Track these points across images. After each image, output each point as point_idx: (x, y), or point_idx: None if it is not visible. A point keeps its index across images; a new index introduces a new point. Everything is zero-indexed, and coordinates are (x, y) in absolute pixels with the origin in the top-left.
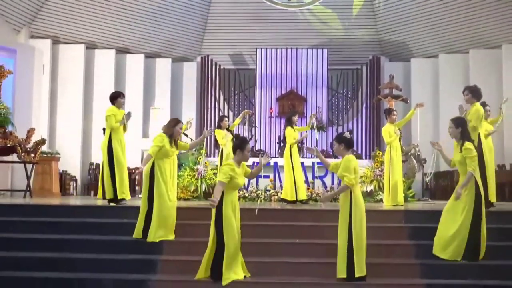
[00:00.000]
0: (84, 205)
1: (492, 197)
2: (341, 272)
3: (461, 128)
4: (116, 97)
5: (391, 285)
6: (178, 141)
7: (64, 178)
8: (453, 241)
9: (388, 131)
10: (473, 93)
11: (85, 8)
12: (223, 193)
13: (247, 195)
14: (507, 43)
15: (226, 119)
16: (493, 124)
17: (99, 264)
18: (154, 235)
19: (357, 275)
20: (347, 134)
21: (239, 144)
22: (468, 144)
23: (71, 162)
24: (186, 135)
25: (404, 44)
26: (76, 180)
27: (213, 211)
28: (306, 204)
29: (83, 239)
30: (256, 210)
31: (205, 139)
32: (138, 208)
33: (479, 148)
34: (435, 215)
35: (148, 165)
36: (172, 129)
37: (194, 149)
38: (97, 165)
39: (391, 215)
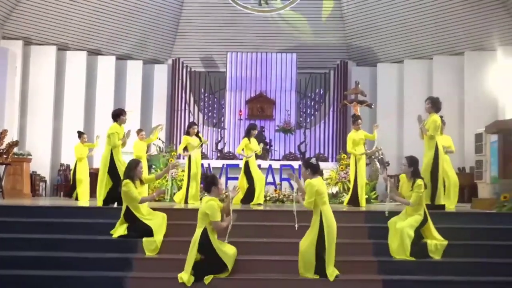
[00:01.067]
0: (67, 206)
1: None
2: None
3: (413, 168)
4: (118, 115)
5: (352, 281)
6: (143, 177)
7: (34, 179)
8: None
9: (353, 138)
10: (434, 103)
11: (56, 9)
12: (206, 229)
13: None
14: (470, 50)
15: (195, 126)
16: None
17: (79, 262)
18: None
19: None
20: (313, 160)
21: (212, 180)
22: (419, 181)
23: (40, 163)
24: (159, 139)
25: (371, 49)
26: (45, 181)
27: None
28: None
29: (65, 239)
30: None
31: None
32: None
33: (435, 158)
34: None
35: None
36: (134, 171)
37: (165, 151)
38: (68, 166)
39: (353, 216)
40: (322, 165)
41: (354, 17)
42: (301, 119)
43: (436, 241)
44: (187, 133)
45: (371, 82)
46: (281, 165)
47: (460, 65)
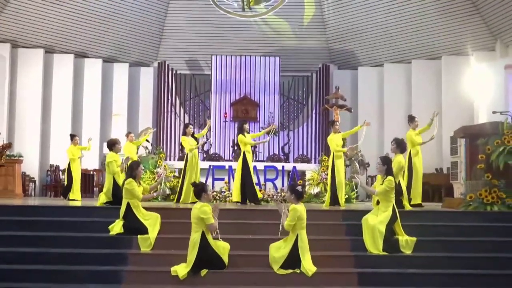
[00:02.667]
0: (62, 205)
1: (419, 199)
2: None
3: (386, 166)
4: (114, 144)
5: (330, 274)
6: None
7: (24, 180)
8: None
9: (334, 140)
10: (398, 145)
11: (44, 12)
12: (203, 232)
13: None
14: (447, 54)
15: (191, 126)
16: (421, 133)
17: (75, 258)
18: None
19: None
20: (299, 188)
21: (202, 188)
22: (390, 178)
23: (29, 164)
24: (148, 141)
25: (352, 53)
26: (34, 182)
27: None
28: (258, 204)
29: (59, 236)
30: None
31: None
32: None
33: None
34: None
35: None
36: (136, 171)
37: (154, 153)
38: (57, 167)
39: (331, 215)
40: (304, 166)
41: (335, 22)
42: (284, 121)
43: (406, 237)
44: (184, 133)
45: (352, 85)
46: (265, 166)
47: (438, 69)
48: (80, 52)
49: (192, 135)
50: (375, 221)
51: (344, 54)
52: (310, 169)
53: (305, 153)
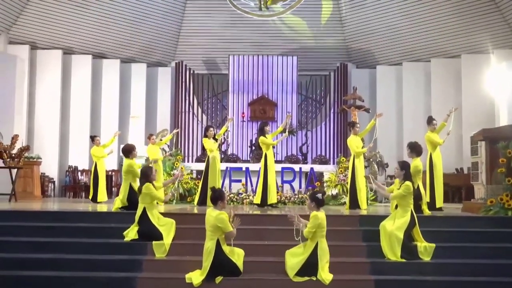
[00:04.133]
0: (77, 211)
1: (440, 203)
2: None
3: (405, 171)
4: (130, 151)
5: (346, 281)
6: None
7: (43, 181)
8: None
9: (354, 142)
10: (412, 148)
11: (62, 14)
12: (218, 240)
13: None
14: (466, 53)
15: (212, 128)
16: (439, 132)
17: (91, 264)
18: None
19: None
20: (319, 195)
21: (219, 196)
22: (407, 183)
23: (49, 165)
24: (167, 145)
25: (370, 52)
26: (54, 182)
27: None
28: (275, 207)
29: (75, 242)
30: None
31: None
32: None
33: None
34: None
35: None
36: (150, 176)
37: (171, 154)
38: (76, 167)
39: (348, 220)
40: (322, 167)
41: (352, 20)
42: (302, 120)
43: (425, 244)
44: (205, 135)
45: (370, 84)
46: (283, 168)
47: (457, 67)
48: (98, 53)
49: (214, 137)
50: (393, 227)
51: (362, 53)
52: (328, 171)
53: (323, 153)
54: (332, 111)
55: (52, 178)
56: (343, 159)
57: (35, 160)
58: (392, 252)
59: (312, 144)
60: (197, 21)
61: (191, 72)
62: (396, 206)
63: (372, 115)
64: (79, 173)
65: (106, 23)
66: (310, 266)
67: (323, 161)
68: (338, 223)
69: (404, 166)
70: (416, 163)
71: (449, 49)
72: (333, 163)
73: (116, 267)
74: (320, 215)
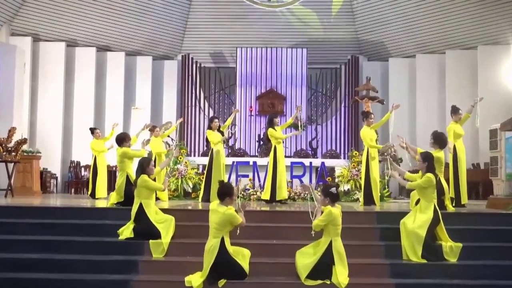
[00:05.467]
0: (70, 206)
1: (464, 199)
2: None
3: (427, 163)
4: (122, 140)
5: (363, 285)
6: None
7: (45, 176)
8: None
9: (368, 134)
10: (436, 139)
11: (66, 5)
12: (223, 238)
13: None
14: (483, 44)
15: (216, 120)
16: (462, 124)
17: (81, 265)
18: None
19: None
20: (333, 190)
21: (229, 191)
22: (429, 175)
23: (51, 160)
24: (169, 136)
25: (382, 44)
26: (56, 178)
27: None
28: (285, 203)
29: (70, 241)
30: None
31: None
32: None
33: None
34: (405, 216)
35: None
36: (147, 169)
37: (174, 148)
38: (78, 163)
39: (365, 217)
40: (333, 162)
41: (364, 11)
42: (312, 114)
43: (451, 243)
44: (209, 127)
45: (382, 77)
46: (292, 163)
47: (474, 59)
48: (102, 46)
49: (218, 129)
50: (414, 225)
51: (374, 45)
52: (339, 165)
53: (333, 147)
54: (342, 105)
55: (55, 174)
56: (355, 153)
57: (34, 154)
58: (413, 252)
59: (322, 138)
60: (204, 12)
61: (198, 65)
62: (417, 202)
63: (385, 107)
64: (82, 169)
65: (111, 15)
66: (323, 268)
67: (334, 155)
68: (353, 220)
69: (427, 157)
70: (438, 155)
71: (465, 40)
72: (344, 158)
73: (109, 268)
74: (334, 211)
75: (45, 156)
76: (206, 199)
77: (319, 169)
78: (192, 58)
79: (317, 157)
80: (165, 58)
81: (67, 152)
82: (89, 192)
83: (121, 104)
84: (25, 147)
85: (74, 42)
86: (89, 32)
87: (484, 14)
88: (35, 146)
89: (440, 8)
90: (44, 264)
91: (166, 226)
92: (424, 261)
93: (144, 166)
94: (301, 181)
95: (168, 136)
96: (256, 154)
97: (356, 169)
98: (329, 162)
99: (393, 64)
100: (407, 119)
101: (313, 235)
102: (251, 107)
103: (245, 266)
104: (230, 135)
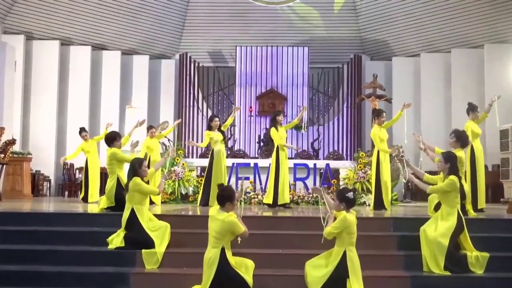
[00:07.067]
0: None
1: (482, 203)
2: None
3: (450, 164)
4: (112, 139)
5: None
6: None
7: (37, 179)
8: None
9: (378, 135)
10: (459, 138)
11: (60, 3)
12: (223, 248)
13: None
14: (489, 42)
15: (217, 119)
16: (479, 124)
17: (65, 278)
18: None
19: None
20: (350, 195)
21: (230, 195)
22: (452, 177)
23: (44, 162)
24: (169, 139)
25: (386, 43)
26: (49, 181)
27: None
28: (288, 208)
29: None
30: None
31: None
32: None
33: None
34: (424, 222)
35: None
36: (139, 170)
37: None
38: (71, 165)
39: (379, 223)
40: (338, 163)
41: (367, 10)
42: (314, 115)
43: (477, 253)
44: (209, 127)
45: (386, 77)
46: (295, 164)
47: (480, 58)
48: (98, 44)
49: (219, 129)
50: (436, 233)
51: (378, 44)
52: (345, 167)
53: (336, 149)
54: (345, 105)
55: (48, 176)
56: (362, 154)
57: (24, 155)
58: (435, 263)
59: (324, 140)
60: (203, 10)
61: (196, 64)
62: (436, 207)
63: (393, 106)
64: (77, 171)
65: (106, 13)
66: (337, 282)
67: (338, 157)
68: (366, 227)
69: (449, 157)
70: (460, 154)
71: (471, 38)
72: (348, 159)
73: (97, 282)
74: (350, 218)
75: (38, 157)
76: (205, 203)
77: (324, 171)
78: (190, 57)
79: (319, 159)
80: (163, 57)
81: (61, 154)
82: (81, 196)
83: (117, 104)
84: (15, 148)
85: (69, 40)
86: (84, 30)
87: (491, 12)
88: (27, 147)
89: (446, 6)
90: (24, 277)
91: (160, 234)
92: (448, 273)
93: (136, 167)
94: (305, 184)
95: (166, 137)
96: (257, 155)
97: (363, 171)
98: (334, 164)
99: (397, 63)
100: (412, 120)
101: (322, 243)
102: (251, 107)
103: (249, 279)
104: (229, 136)
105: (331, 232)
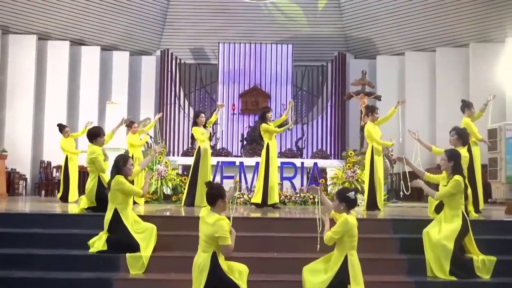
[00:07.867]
0: (32, 212)
1: (481, 204)
2: None
3: (454, 162)
4: (95, 135)
5: None
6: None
7: (13, 177)
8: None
9: (374, 131)
10: (460, 135)
11: None
12: (214, 253)
13: None
14: (475, 41)
15: (203, 115)
16: (473, 122)
17: (42, 285)
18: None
19: None
20: (351, 194)
21: (220, 193)
22: (457, 177)
23: (20, 160)
24: (147, 134)
25: (370, 41)
26: (26, 179)
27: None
28: (277, 208)
29: (22, 254)
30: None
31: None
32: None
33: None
34: (426, 224)
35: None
36: (124, 168)
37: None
38: (49, 163)
39: (378, 225)
40: (326, 162)
41: (352, 7)
42: (297, 113)
43: (483, 257)
44: (195, 123)
45: (370, 76)
46: (282, 163)
47: (465, 57)
48: (76, 40)
49: (204, 126)
50: (440, 235)
51: (362, 42)
52: (333, 166)
53: (321, 147)
54: (329, 103)
55: (24, 175)
56: (351, 153)
57: None
58: (440, 268)
59: (308, 138)
60: (185, 6)
61: (178, 61)
62: (436, 208)
63: (383, 103)
64: (55, 170)
65: (85, 7)
66: None
67: (324, 156)
68: (364, 229)
69: (453, 155)
70: (463, 153)
71: (457, 37)
72: (333, 158)
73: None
74: (351, 220)
75: (13, 155)
76: (190, 203)
77: (311, 170)
78: (171, 54)
79: (303, 158)
80: (143, 54)
81: (37, 152)
82: (59, 195)
83: (96, 100)
84: None
85: (47, 35)
86: (62, 25)
87: (476, 11)
88: (2, 145)
89: (431, 4)
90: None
91: (146, 237)
92: (453, 278)
93: (120, 165)
94: (292, 183)
95: (147, 134)
96: (240, 154)
97: (352, 170)
98: (321, 163)
99: (381, 62)
100: (396, 119)
101: (318, 250)
102: (233, 105)
103: (243, 285)
104: (212, 134)
105: (332, 237)
